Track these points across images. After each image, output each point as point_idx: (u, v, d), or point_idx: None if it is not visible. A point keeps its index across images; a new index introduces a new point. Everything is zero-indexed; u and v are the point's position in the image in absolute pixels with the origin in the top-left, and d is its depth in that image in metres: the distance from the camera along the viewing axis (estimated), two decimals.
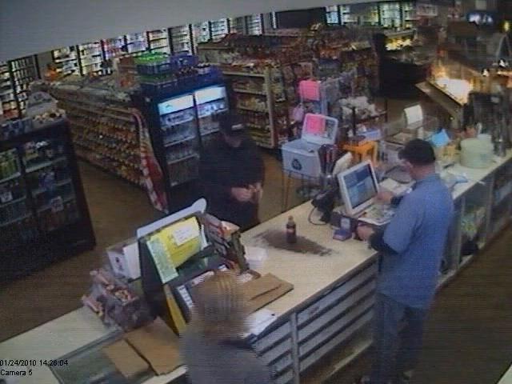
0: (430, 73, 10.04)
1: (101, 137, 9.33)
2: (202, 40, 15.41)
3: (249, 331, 2.46)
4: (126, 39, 14.32)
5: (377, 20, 15.44)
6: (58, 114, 6.45)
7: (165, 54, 11.70)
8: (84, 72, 13.35)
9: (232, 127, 4.25)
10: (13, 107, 12.25)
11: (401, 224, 3.48)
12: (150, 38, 14.82)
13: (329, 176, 4.72)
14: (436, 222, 3.42)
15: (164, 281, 3.01)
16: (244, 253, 3.78)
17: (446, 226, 3.61)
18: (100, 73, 12.31)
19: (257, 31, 16.78)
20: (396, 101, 8.53)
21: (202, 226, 3.30)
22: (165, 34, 15.08)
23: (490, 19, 10.02)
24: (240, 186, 4.29)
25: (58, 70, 12.44)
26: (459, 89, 8.45)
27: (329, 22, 16.30)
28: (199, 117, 7.51)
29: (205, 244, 3.29)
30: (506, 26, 9.15)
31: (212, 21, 15.44)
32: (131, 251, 3.26)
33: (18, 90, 12.46)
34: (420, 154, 3.53)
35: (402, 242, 3.44)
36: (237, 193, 4.27)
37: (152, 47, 14.78)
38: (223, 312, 2.23)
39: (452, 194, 4.19)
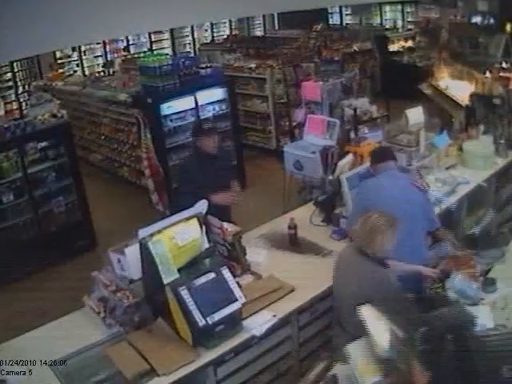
0: (432, 74, 10.05)
1: (102, 137, 9.32)
2: (204, 41, 15.40)
3: (387, 254, 3.11)
4: (128, 40, 14.32)
5: (379, 21, 15.41)
6: (59, 115, 6.45)
7: (167, 54, 11.69)
8: (86, 72, 13.34)
9: (204, 126, 4.53)
10: (14, 107, 12.23)
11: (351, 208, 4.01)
12: (152, 39, 14.81)
13: (330, 177, 4.71)
14: (396, 211, 3.21)
15: (165, 282, 3.01)
16: (245, 254, 3.79)
17: (408, 216, 3.42)
18: (102, 73, 12.31)
19: (259, 32, 16.76)
20: (398, 102, 8.52)
21: (204, 227, 3.30)
22: (167, 35, 15.08)
23: (491, 20, 10.01)
24: (220, 189, 4.25)
25: (60, 71, 12.40)
26: (461, 90, 8.45)
27: (331, 22, 16.27)
28: (201, 118, 7.50)
29: (206, 245, 3.29)
30: (508, 27, 9.12)
31: (214, 22, 15.43)
32: (133, 252, 3.27)
33: (20, 90, 12.45)
34: (374, 156, 4.07)
35: (348, 225, 3.82)
36: (220, 198, 4.20)
37: (154, 48, 14.77)
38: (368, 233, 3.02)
39: (451, 197, 4.17)
